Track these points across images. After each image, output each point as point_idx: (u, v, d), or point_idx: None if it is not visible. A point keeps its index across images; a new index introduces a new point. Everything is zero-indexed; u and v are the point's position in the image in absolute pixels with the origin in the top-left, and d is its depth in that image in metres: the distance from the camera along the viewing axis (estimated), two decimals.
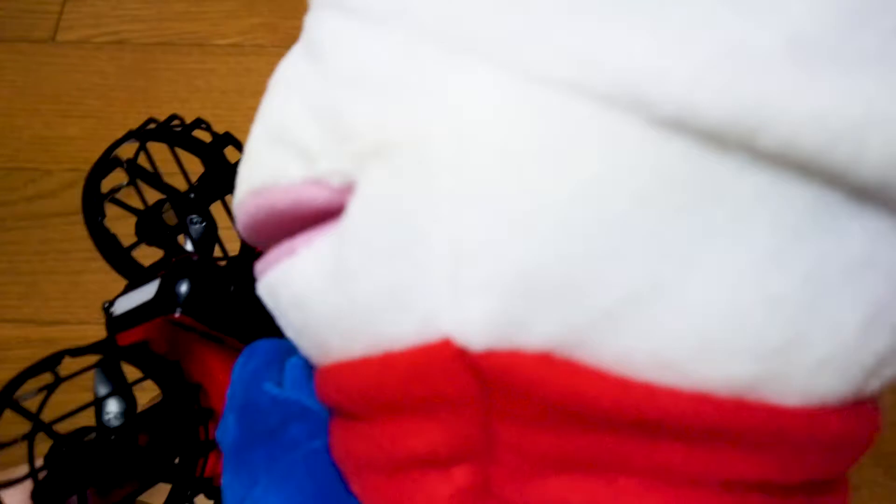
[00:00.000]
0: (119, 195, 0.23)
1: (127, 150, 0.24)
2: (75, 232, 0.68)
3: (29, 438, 0.18)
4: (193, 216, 0.24)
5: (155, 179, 0.23)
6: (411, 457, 0.15)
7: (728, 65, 0.12)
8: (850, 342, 0.13)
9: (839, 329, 0.13)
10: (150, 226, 0.23)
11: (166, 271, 0.21)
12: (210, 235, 0.24)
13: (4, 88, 0.74)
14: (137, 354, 0.21)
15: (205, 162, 0.25)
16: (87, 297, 0.64)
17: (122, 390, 0.21)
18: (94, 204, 0.22)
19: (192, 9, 0.79)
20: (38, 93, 0.74)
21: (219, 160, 0.25)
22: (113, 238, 0.22)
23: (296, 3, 0.80)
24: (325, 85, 0.15)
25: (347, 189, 0.15)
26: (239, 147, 0.24)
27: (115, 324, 0.22)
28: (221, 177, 0.24)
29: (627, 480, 0.14)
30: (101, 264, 0.71)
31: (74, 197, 0.67)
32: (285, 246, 0.17)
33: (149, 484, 0.20)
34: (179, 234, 0.24)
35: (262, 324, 0.21)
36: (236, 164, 0.22)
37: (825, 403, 0.14)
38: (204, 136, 0.25)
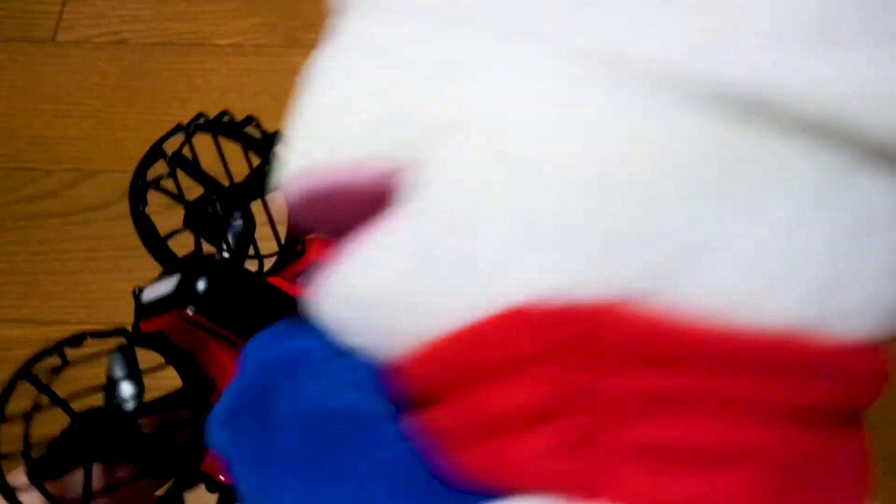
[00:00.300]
0: (172, 188, 0.23)
1: (174, 144, 0.24)
2: (75, 232, 0.69)
3: (27, 416, 0.19)
4: (236, 212, 0.24)
5: (198, 172, 0.24)
6: (506, 419, 0.15)
7: (755, 41, 0.14)
8: (888, 287, 0.15)
9: (877, 274, 0.15)
10: (198, 217, 0.24)
11: (190, 267, 0.22)
12: (247, 233, 0.25)
13: (4, 88, 0.75)
14: (156, 343, 0.21)
15: (259, 156, 0.25)
16: (87, 296, 0.64)
17: (135, 375, 0.21)
18: (138, 191, 0.23)
19: (193, 9, 0.79)
20: (39, 93, 0.74)
21: (268, 157, 0.25)
22: (152, 226, 0.23)
23: (296, 3, 0.80)
24: (390, 75, 0.16)
25: (404, 169, 0.16)
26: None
27: (141, 310, 0.22)
28: (267, 175, 0.25)
29: (703, 418, 0.15)
30: (101, 264, 0.71)
31: (74, 197, 0.68)
32: (342, 251, 0.17)
33: (150, 469, 0.21)
34: (222, 227, 0.24)
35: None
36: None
37: (865, 341, 0.15)
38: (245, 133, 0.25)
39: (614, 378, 0.15)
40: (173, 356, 0.21)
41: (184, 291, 0.21)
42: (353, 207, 0.17)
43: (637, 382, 0.15)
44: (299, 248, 0.25)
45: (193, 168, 0.24)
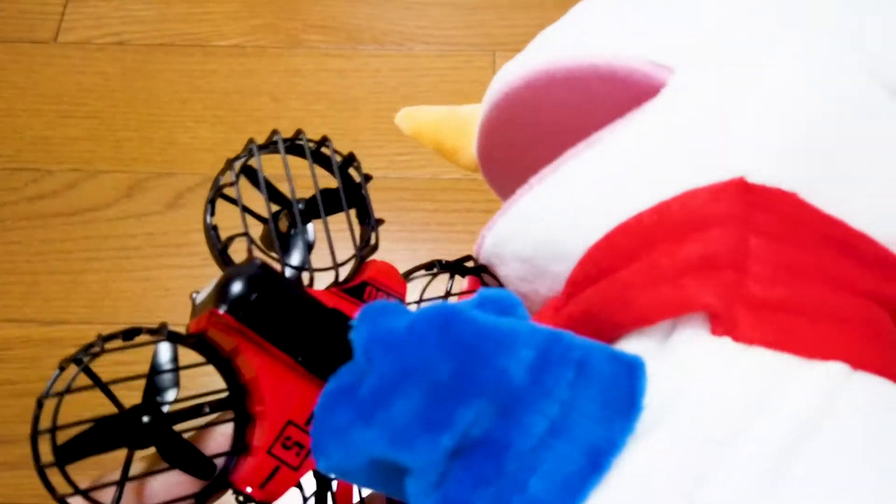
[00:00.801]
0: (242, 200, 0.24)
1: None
2: (76, 232, 0.69)
3: (59, 395, 0.19)
4: (307, 227, 0.25)
5: (271, 188, 0.24)
6: (686, 264, 0.19)
7: None
8: None
9: None
10: (276, 231, 0.24)
11: (230, 270, 0.22)
12: (311, 248, 0.25)
13: (6, 89, 0.75)
14: (199, 344, 0.21)
15: (338, 177, 0.26)
16: (88, 296, 0.64)
17: (174, 372, 0.22)
18: (209, 201, 0.23)
19: (194, 10, 0.80)
20: (40, 93, 0.74)
21: (346, 177, 0.26)
22: (215, 235, 0.23)
23: (296, 5, 0.80)
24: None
25: (664, 72, 0.22)
26: (358, 169, 0.26)
27: (193, 311, 0.23)
28: (336, 194, 0.25)
29: (832, 290, 0.19)
30: (102, 264, 0.71)
31: (76, 197, 0.68)
32: (561, 158, 0.23)
33: (184, 466, 0.21)
34: (289, 241, 0.25)
35: (315, 340, 0.22)
36: (346, 184, 0.25)
37: None
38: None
39: (779, 246, 0.19)
40: (211, 358, 0.21)
41: (220, 291, 0.21)
42: (593, 96, 0.22)
43: (790, 251, 0.19)
44: (355, 266, 0.25)
45: (266, 184, 0.24)
